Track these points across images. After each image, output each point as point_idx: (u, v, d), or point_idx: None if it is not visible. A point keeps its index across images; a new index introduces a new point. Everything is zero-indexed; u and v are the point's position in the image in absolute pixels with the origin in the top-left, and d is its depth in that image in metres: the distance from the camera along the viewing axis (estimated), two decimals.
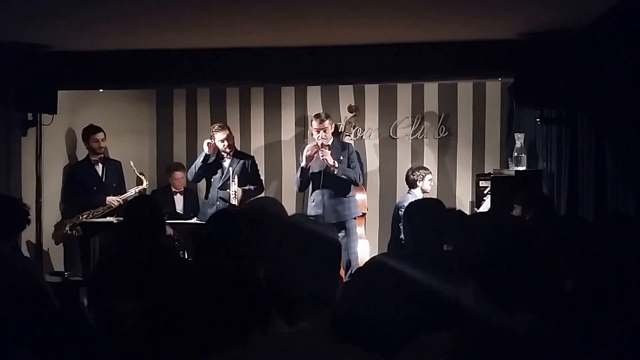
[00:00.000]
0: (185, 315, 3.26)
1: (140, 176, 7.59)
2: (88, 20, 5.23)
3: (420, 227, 3.98)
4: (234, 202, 7.16)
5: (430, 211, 4.04)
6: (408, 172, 7.85)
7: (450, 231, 4.01)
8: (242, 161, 7.62)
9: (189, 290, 3.42)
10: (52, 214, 7.33)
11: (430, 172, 7.85)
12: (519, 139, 6.53)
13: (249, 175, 7.61)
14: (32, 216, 6.40)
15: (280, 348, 2.22)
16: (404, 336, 2.24)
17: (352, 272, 6.71)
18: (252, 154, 8.07)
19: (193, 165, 7.63)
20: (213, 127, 7.61)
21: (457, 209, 5.21)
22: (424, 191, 7.71)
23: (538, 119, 6.06)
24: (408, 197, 7.54)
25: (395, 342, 2.23)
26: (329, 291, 2.38)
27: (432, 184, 7.84)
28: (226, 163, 7.58)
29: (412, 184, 7.74)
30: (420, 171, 7.77)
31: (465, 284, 2.37)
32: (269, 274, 2.42)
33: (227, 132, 7.56)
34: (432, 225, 3.95)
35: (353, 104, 7.97)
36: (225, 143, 7.51)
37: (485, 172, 7.86)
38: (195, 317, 3.17)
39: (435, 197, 8.11)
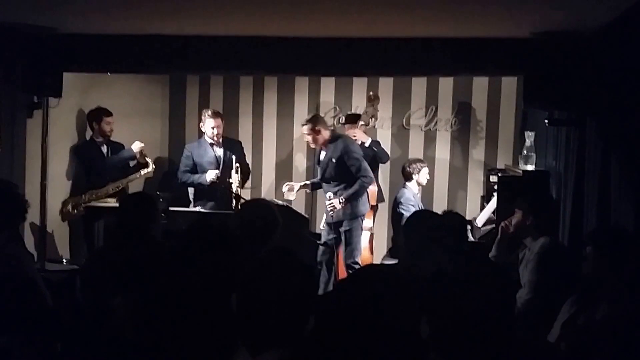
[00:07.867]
0: (162, 322, 3.22)
1: (147, 160, 7.56)
2: (95, 2, 5.15)
3: (415, 242, 3.95)
4: (236, 189, 7.03)
5: (427, 228, 3.97)
6: (405, 164, 7.70)
7: (448, 249, 3.93)
8: (232, 148, 7.51)
9: (167, 295, 3.39)
10: (57, 196, 7.31)
11: (427, 166, 7.70)
12: (529, 137, 6.39)
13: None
14: (37, 199, 6.46)
15: None
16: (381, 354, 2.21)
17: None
18: (248, 141, 8.03)
19: (186, 179, 7.48)
20: (207, 112, 7.49)
21: (456, 213, 4.95)
22: (419, 184, 7.59)
23: (546, 120, 5.92)
24: (404, 192, 7.45)
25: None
26: (297, 327, 2.36)
27: (428, 177, 7.67)
28: (219, 152, 7.47)
29: (407, 177, 7.60)
30: (417, 164, 7.62)
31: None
32: (240, 303, 2.39)
33: (220, 120, 7.43)
34: (426, 242, 3.89)
35: (372, 93, 7.84)
36: (216, 131, 7.39)
37: (498, 166, 7.76)
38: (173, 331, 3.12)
39: (446, 191, 8.09)
